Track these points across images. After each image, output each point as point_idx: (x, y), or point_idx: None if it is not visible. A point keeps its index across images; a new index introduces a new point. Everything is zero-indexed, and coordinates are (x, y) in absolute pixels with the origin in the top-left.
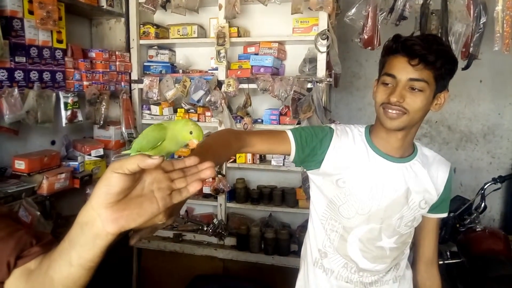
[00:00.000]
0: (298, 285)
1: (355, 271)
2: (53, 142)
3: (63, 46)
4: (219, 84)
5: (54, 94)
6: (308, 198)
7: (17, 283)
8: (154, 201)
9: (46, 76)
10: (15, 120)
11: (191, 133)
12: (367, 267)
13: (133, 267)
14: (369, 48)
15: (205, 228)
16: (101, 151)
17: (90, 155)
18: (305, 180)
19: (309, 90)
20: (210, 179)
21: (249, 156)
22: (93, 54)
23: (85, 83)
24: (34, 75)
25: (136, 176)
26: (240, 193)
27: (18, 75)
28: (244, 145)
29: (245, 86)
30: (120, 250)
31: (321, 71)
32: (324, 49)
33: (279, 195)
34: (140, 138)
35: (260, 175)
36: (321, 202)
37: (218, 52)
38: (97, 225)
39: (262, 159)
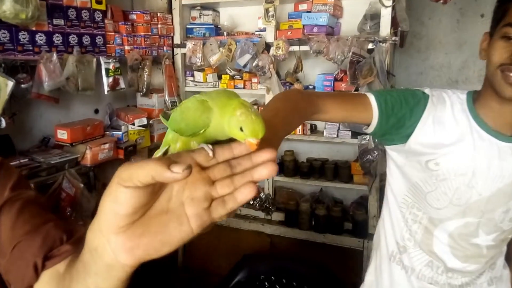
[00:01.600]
0: (368, 280)
1: (442, 272)
2: (96, 111)
3: (102, 7)
4: (267, 47)
5: (94, 60)
6: (366, 173)
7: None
8: (184, 219)
9: (86, 40)
10: (55, 88)
11: (242, 130)
12: (457, 267)
13: None
14: (441, 1)
15: (252, 202)
16: (144, 120)
17: (133, 124)
18: (364, 153)
19: (370, 51)
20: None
21: (299, 126)
22: (134, 16)
23: (126, 47)
24: (73, 39)
25: (157, 186)
26: (289, 166)
27: (57, 39)
28: (317, 110)
29: (296, 48)
30: None
31: (385, 29)
32: (389, 2)
33: (331, 169)
34: (179, 116)
35: (310, 147)
36: (401, 185)
37: (266, 11)
38: (108, 254)
39: (313, 129)
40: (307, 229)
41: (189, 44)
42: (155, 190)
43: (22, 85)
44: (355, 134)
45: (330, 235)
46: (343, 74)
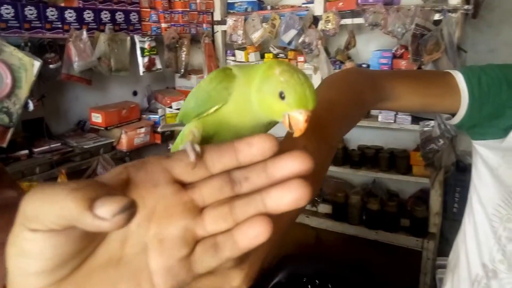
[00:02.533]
0: None
1: None
2: (135, 93)
3: None
4: (315, 20)
5: (128, 38)
6: (428, 164)
7: None
8: (144, 278)
9: (119, 16)
10: (85, 68)
11: (282, 96)
12: None
13: None
14: None
15: None
16: (182, 103)
17: (171, 107)
18: (427, 142)
19: (437, 23)
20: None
21: None
22: None
23: (163, 25)
24: (105, 16)
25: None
26: (338, 154)
27: (88, 15)
28: (383, 96)
29: (348, 21)
30: None
31: None
32: None
33: (386, 158)
34: (192, 91)
35: (362, 133)
36: (493, 193)
37: None
38: None
39: (366, 113)
40: (357, 224)
41: (230, 21)
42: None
43: (51, 66)
44: (416, 120)
45: (383, 232)
46: (403, 50)
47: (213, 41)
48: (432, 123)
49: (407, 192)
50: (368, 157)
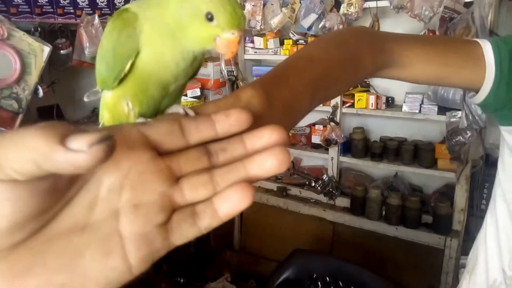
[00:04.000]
0: None
1: None
2: None
3: None
4: (337, 4)
5: None
6: (454, 158)
7: None
8: (115, 245)
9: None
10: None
11: (209, 17)
12: None
13: (234, 219)
14: None
15: (313, 184)
16: (197, 91)
17: (186, 95)
18: (453, 134)
19: (468, 5)
20: (321, 127)
21: (371, 99)
22: None
23: None
24: (119, 1)
25: (64, 178)
26: (358, 145)
27: (101, 0)
28: (390, 62)
29: (372, 4)
30: None
31: None
32: None
33: (409, 150)
34: (98, 53)
35: (384, 124)
36: None
37: None
38: None
39: (390, 103)
40: (376, 220)
41: (248, 5)
42: (59, 186)
43: (61, 51)
44: (442, 110)
45: (404, 229)
46: (431, 34)
47: None
48: (459, 113)
49: (431, 187)
50: (391, 149)
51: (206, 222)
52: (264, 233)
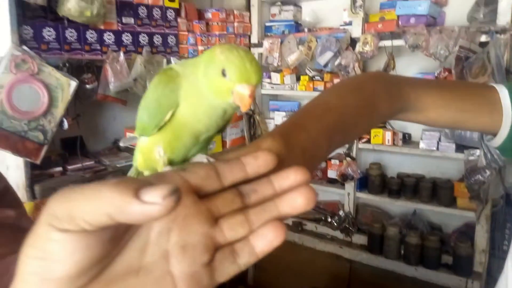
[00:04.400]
0: None
1: None
2: None
3: (175, 5)
4: (353, 42)
5: (164, 60)
6: (473, 197)
7: None
8: (168, 286)
9: (157, 39)
10: (121, 89)
11: (224, 73)
12: None
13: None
14: None
15: (330, 220)
16: None
17: None
18: (472, 172)
19: (483, 45)
20: (337, 162)
21: (388, 135)
22: (209, 15)
23: (199, 48)
24: (143, 39)
25: (121, 227)
26: (375, 181)
27: (126, 38)
28: (407, 106)
29: (387, 43)
30: None
31: (504, 17)
32: None
33: (428, 188)
34: (142, 103)
35: (402, 160)
36: None
37: (353, 1)
38: None
39: (406, 139)
40: (394, 259)
41: (266, 43)
42: (119, 234)
43: (87, 86)
44: (461, 148)
45: (423, 269)
46: (446, 73)
47: None
48: (477, 151)
49: (450, 226)
50: (408, 186)
51: (245, 259)
52: (278, 269)
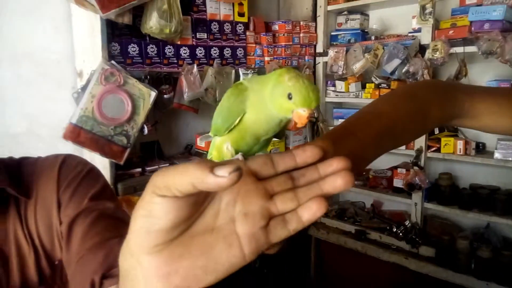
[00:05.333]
0: None
1: None
2: None
3: (244, 19)
4: (422, 49)
5: (233, 71)
6: None
7: None
8: (234, 241)
9: (227, 52)
10: (193, 98)
11: (290, 97)
12: None
13: (311, 256)
14: None
15: (395, 229)
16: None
17: None
18: None
19: None
20: (403, 171)
21: (459, 144)
22: (276, 27)
23: (266, 58)
24: (214, 52)
25: (202, 196)
26: (444, 192)
27: (199, 52)
28: (459, 113)
29: (459, 50)
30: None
31: None
32: None
33: (502, 200)
34: (217, 110)
35: (474, 171)
36: None
37: (423, 8)
38: (138, 280)
39: (480, 149)
40: (464, 273)
41: (331, 52)
42: (199, 201)
43: (165, 96)
44: None
45: (496, 285)
46: None
47: (314, 72)
48: None
49: None
50: (481, 198)
51: (293, 225)
52: (340, 277)
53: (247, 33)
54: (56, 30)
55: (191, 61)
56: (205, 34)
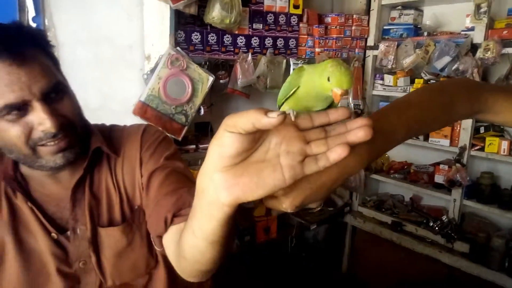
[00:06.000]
0: None
1: None
2: None
3: (299, 11)
4: (473, 48)
5: (284, 61)
6: None
7: (171, 241)
8: (278, 168)
9: (280, 42)
10: (246, 84)
11: (329, 79)
12: None
13: (345, 243)
14: None
15: (431, 224)
16: None
17: None
18: None
19: None
20: (446, 167)
21: (504, 144)
22: (328, 19)
23: (316, 49)
24: (268, 42)
25: (257, 135)
26: (485, 191)
27: (254, 41)
28: (482, 108)
29: (511, 50)
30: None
31: None
32: None
33: None
34: (283, 85)
35: None
36: None
37: (477, 7)
38: (210, 193)
39: None
40: (497, 270)
41: (382, 46)
42: (256, 138)
43: (221, 81)
44: None
45: None
46: None
47: (363, 65)
48: None
49: None
50: None
51: (323, 163)
52: (372, 265)
53: (301, 24)
54: (129, 18)
55: (246, 50)
56: (261, 24)
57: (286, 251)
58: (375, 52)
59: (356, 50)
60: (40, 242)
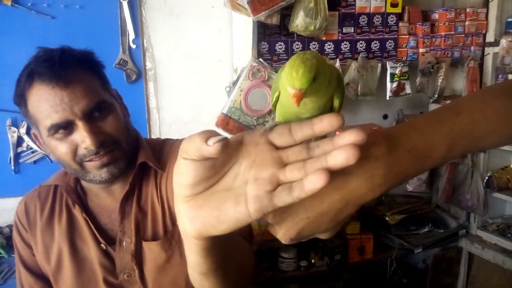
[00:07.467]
0: None
1: None
2: (385, 116)
3: (398, 10)
4: None
5: (379, 65)
6: None
7: None
8: (242, 199)
9: (375, 45)
10: None
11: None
12: None
13: (459, 273)
14: None
15: None
16: None
17: None
18: None
19: None
20: None
21: None
22: (435, 16)
23: (421, 50)
24: (361, 45)
25: (221, 159)
26: None
27: (344, 46)
28: None
29: None
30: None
31: None
32: None
33: None
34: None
35: None
36: None
37: None
38: (180, 224)
39: None
40: None
41: (504, 41)
42: (216, 165)
43: None
44: None
45: None
46: None
47: (481, 64)
48: None
49: None
50: None
51: (297, 193)
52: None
53: (400, 24)
54: (220, 33)
55: (334, 56)
56: (352, 28)
57: (384, 276)
58: (496, 49)
59: (472, 48)
60: (92, 251)
